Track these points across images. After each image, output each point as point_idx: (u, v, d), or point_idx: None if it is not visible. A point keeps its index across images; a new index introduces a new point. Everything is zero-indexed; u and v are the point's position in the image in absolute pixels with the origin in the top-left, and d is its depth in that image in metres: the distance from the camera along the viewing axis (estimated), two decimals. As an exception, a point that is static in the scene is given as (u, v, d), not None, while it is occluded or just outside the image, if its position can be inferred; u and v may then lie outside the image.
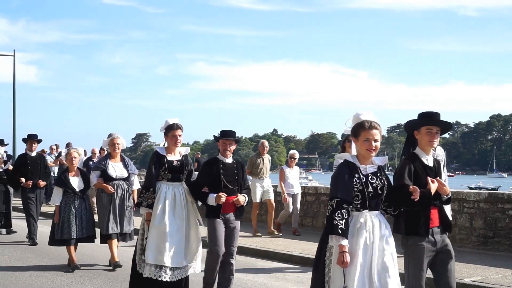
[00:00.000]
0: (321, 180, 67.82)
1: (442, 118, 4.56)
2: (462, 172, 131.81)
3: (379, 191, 4.12)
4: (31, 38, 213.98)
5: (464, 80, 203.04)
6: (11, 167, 10.94)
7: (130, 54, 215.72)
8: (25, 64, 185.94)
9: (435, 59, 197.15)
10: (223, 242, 6.04)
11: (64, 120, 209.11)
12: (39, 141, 10.66)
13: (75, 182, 8.10)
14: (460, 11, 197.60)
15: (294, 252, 8.96)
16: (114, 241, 8.02)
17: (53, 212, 8.22)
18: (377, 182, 4.12)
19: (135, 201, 8.00)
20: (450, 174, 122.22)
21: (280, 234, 10.73)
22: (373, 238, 4.05)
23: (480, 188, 46.00)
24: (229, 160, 6.19)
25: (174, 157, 6.27)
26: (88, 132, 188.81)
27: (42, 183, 10.39)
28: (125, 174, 8.08)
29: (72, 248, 8.03)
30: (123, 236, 8.11)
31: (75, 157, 8.20)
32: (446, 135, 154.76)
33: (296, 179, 11.23)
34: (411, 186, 4.21)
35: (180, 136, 6.24)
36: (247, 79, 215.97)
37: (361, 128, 4.13)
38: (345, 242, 3.95)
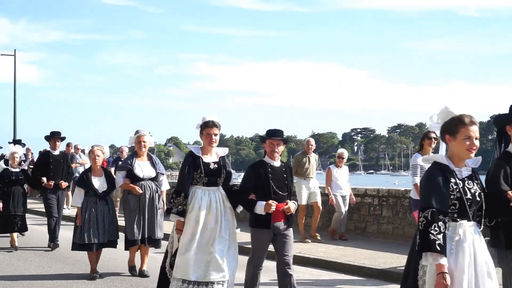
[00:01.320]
0: (321, 180, 67.73)
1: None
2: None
3: (478, 198, 3.57)
4: (31, 38, 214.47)
5: (465, 80, 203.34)
6: (26, 167, 10.39)
7: (131, 54, 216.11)
8: (25, 64, 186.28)
9: (436, 59, 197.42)
10: (265, 255, 5.60)
11: (65, 120, 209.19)
12: (63, 138, 10.10)
13: (98, 182, 7.51)
14: (460, 11, 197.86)
15: (294, 252, 8.95)
16: (142, 247, 7.50)
17: (75, 215, 7.72)
18: (474, 188, 3.57)
19: (165, 203, 7.58)
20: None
21: (321, 239, 10.06)
22: (476, 255, 3.53)
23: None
24: (277, 163, 5.55)
25: (211, 158, 5.67)
26: (89, 132, 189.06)
27: (64, 184, 9.81)
28: (153, 174, 7.46)
29: (94, 254, 7.49)
30: (154, 242, 7.47)
31: (98, 156, 7.59)
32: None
33: (345, 179, 10.59)
34: (509, 192, 3.69)
35: (216, 135, 5.62)
36: (248, 79, 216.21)
37: (460, 124, 3.54)
38: (444, 261, 3.38)
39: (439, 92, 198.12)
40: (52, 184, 9.66)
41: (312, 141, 10.80)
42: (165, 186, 7.71)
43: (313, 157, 10.55)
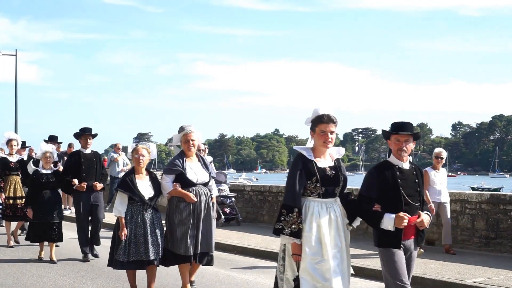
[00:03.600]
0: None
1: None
2: (464, 173, 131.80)
3: None
4: (32, 37, 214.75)
5: (466, 80, 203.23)
6: (61, 168, 9.39)
7: (131, 54, 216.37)
8: (26, 63, 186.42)
9: (437, 58, 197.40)
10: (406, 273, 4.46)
11: (65, 119, 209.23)
12: (95, 135, 8.98)
13: (144, 187, 6.31)
14: (461, 11, 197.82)
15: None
16: (195, 264, 6.39)
17: (114, 224, 6.52)
18: None
19: (217, 212, 6.64)
20: (452, 174, 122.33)
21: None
22: None
23: (483, 189, 45.88)
24: (406, 164, 4.48)
25: (325, 162, 4.49)
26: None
27: (99, 186, 8.73)
28: (206, 178, 6.36)
29: (133, 273, 6.36)
30: (209, 259, 6.42)
31: (143, 156, 6.39)
32: (448, 135, 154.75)
33: (444, 184, 9.18)
34: None
35: (332, 133, 4.44)
36: (248, 79, 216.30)
37: None
38: None
39: (440, 91, 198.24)
40: (85, 186, 8.65)
41: None
42: (215, 192, 6.68)
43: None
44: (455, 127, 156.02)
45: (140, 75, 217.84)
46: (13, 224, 10.52)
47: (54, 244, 8.73)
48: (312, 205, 4.39)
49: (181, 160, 6.28)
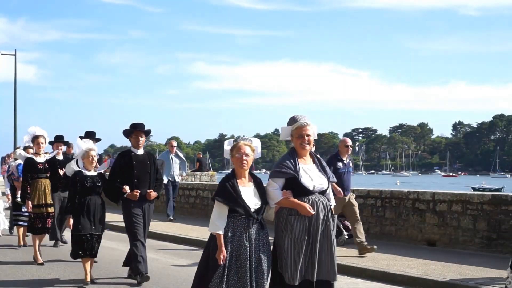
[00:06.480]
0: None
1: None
2: (465, 173, 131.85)
3: None
4: (30, 37, 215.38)
5: (466, 80, 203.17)
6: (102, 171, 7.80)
7: (130, 54, 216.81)
8: (24, 63, 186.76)
9: (437, 58, 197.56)
10: None
11: (64, 119, 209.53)
12: (148, 132, 7.45)
13: (249, 196, 4.82)
14: (461, 11, 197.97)
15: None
16: None
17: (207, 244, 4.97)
18: None
19: (337, 227, 5.14)
20: (453, 174, 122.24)
21: None
22: None
23: (484, 189, 45.80)
24: None
25: None
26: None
27: (153, 194, 7.27)
28: (325, 185, 4.91)
29: None
30: (325, 285, 4.86)
31: (246, 155, 4.87)
32: (449, 135, 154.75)
33: None
34: None
35: None
36: (248, 79, 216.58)
37: None
38: None
39: (440, 92, 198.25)
40: (138, 194, 7.15)
41: None
42: (333, 201, 5.11)
43: None
44: (455, 127, 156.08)
45: (139, 75, 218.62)
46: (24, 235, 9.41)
47: (93, 260, 7.43)
48: None
49: (292, 161, 4.87)
